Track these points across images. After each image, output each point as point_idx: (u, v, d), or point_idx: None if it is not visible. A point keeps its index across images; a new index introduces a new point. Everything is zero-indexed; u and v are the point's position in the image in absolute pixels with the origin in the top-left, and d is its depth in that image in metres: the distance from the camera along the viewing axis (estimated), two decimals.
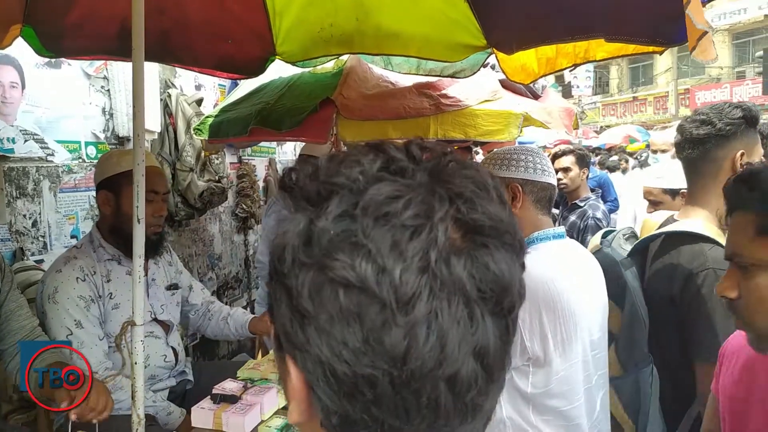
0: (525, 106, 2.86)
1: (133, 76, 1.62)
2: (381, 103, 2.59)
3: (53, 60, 2.85)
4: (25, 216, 2.71)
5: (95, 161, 3.03)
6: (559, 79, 21.06)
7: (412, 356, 0.39)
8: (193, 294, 2.51)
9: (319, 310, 0.41)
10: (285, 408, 1.91)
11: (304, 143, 3.67)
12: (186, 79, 3.96)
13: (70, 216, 2.97)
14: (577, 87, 20.98)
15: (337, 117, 2.57)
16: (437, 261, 0.40)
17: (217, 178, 3.81)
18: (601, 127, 21.00)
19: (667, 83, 20.72)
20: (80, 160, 3.03)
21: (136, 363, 1.67)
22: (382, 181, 0.42)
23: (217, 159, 3.87)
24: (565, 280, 1.46)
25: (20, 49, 2.23)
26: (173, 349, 2.27)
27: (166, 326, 2.28)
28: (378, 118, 2.62)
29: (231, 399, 1.82)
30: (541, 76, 2.43)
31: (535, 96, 3.15)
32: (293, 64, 2.60)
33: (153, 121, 3.39)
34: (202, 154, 3.63)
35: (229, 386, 1.92)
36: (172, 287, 2.38)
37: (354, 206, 0.41)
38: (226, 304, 4.58)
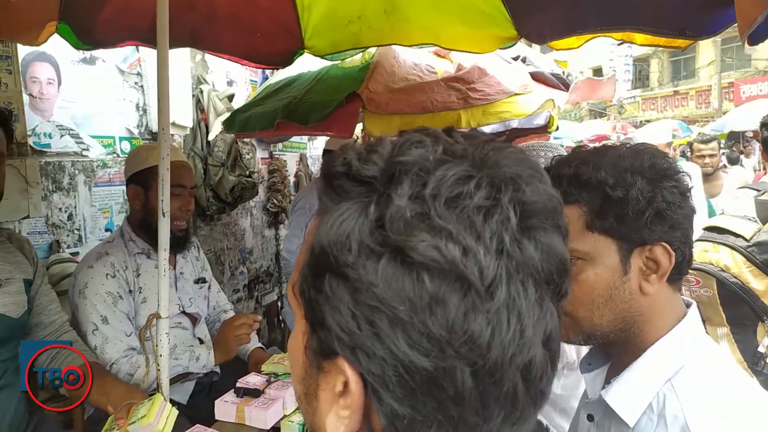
0: (557, 99, 2.79)
1: (158, 65, 1.64)
2: (408, 96, 2.56)
3: (88, 57, 2.91)
4: (60, 209, 2.78)
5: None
6: (597, 73, 20.60)
7: (496, 343, 0.38)
8: (211, 294, 2.51)
9: (397, 300, 0.38)
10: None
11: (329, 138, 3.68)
12: (218, 75, 4.00)
13: (105, 210, 3.03)
14: (616, 81, 20.47)
15: (363, 111, 2.55)
16: (511, 242, 0.38)
17: (247, 173, 3.84)
18: (641, 121, 20.46)
19: (710, 77, 20.00)
20: (114, 155, 3.09)
21: (161, 355, 1.68)
22: (447, 163, 0.40)
23: (248, 154, 3.91)
24: None
25: (57, 46, 2.28)
26: (200, 340, 2.30)
27: (194, 318, 2.30)
28: (404, 112, 2.59)
29: (254, 393, 1.82)
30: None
31: (567, 87, 3.07)
32: (322, 57, 2.60)
33: (185, 116, 3.44)
34: (233, 148, 3.67)
35: (252, 380, 1.92)
36: (200, 281, 2.41)
37: (424, 187, 0.39)
38: (257, 298, 4.66)
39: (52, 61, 2.75)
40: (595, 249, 0.85)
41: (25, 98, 2.58)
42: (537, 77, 2.87)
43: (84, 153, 2.91)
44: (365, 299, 0.39)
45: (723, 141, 11.63)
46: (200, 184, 3.54)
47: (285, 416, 1.77)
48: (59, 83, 2.79)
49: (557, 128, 4.38)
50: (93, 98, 2.96)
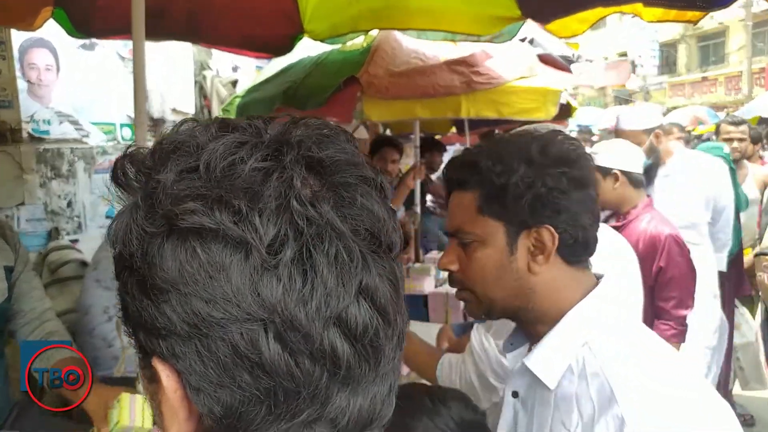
0: (564, 82, 2.68)
1: (134, 54, 1.59)
2: (408, 80, 2.48)
3: (87, 42, 2.88)
4: (59, 196, 2.77)
5: (130, 143, 3.07)
6: (622, 57, 20.11)
7: (292, 298, 0.37)
8: None
9: (178, 276, 0.37)
10: None
11: None
12: (223, 62, 3.95)
13: (105, 197, 3.02)
14: (641, 66, 19.91)
15: (362, 96, 2.48)
16: (298, 200, 0.37)
17: None
18: (668, 108, 19.95)
19: (741, 62, 19.39)
20: (115, 142, 3.07)
21: None
22: (223, 137, 0.39)
23: None
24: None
25: (55, 32, 2.24)
26: None
27: None
28: (405, 96, 2.51)
29: None
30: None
31: None
32: (322, 41, 2.53)
33: (187, 102, 3.40)
34: None
35: None
36: None
37: (196, 161, 0.38)
38: None
39: (51, 47, 2.72)
40: (485, 232, 0.93)
41: (23, 84, 2.56)
42: (545, 59, 2.75)
43: (84, 139, 2.90)
44: (153, 283, 0.37)
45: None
46: None
47: None
48: (58, 69, 2.76)
49: (574, 115, 4.26)
50: (93, 84, 2.94)
